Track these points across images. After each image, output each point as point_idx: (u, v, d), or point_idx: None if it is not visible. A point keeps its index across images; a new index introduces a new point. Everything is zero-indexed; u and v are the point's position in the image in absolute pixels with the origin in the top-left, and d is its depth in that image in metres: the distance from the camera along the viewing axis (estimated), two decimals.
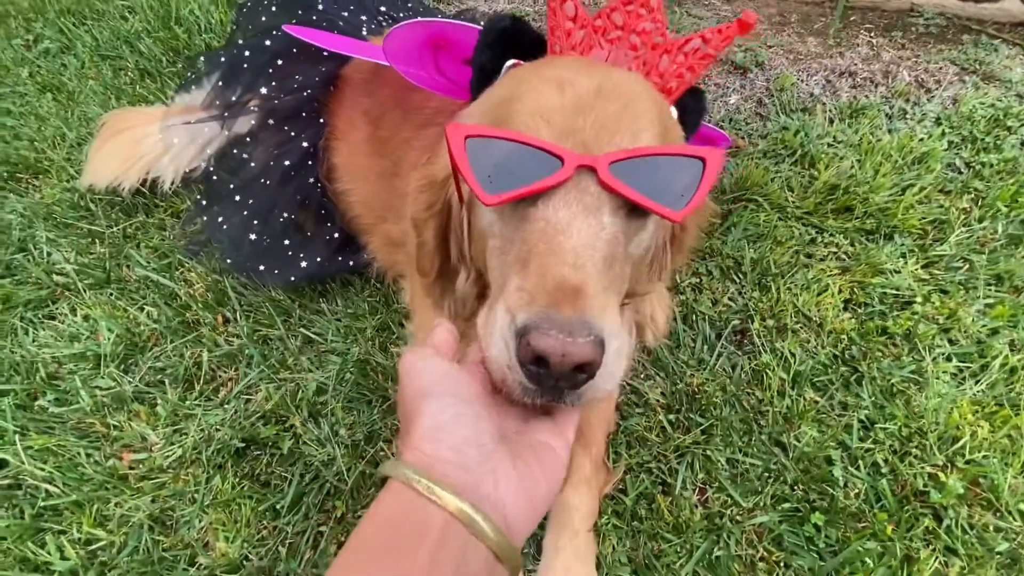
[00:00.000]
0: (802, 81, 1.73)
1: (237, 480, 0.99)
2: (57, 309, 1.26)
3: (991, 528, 0.91)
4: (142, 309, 1.23)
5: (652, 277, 0.71)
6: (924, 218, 1.32)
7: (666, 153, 0.53)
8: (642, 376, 1.11)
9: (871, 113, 1.58)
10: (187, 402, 1.08)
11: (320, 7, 1.23)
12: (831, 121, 1.59)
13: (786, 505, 0.94)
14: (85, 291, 1.26)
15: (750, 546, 0.91)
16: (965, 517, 0.92)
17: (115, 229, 1.37)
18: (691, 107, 0.75)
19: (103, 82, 1.80)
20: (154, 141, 1.37)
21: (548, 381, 0.46)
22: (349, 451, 1.01)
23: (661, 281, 0.74)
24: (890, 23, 2.04)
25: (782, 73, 1.74)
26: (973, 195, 1.38)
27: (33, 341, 1.19)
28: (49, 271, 1.31)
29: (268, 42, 1.15)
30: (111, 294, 1.26)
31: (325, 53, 1.14)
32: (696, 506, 0.95)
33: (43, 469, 0.99)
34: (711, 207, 0.74)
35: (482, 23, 0.74)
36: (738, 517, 0.93)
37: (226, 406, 1.08)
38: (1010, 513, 0.92)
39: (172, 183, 1.38)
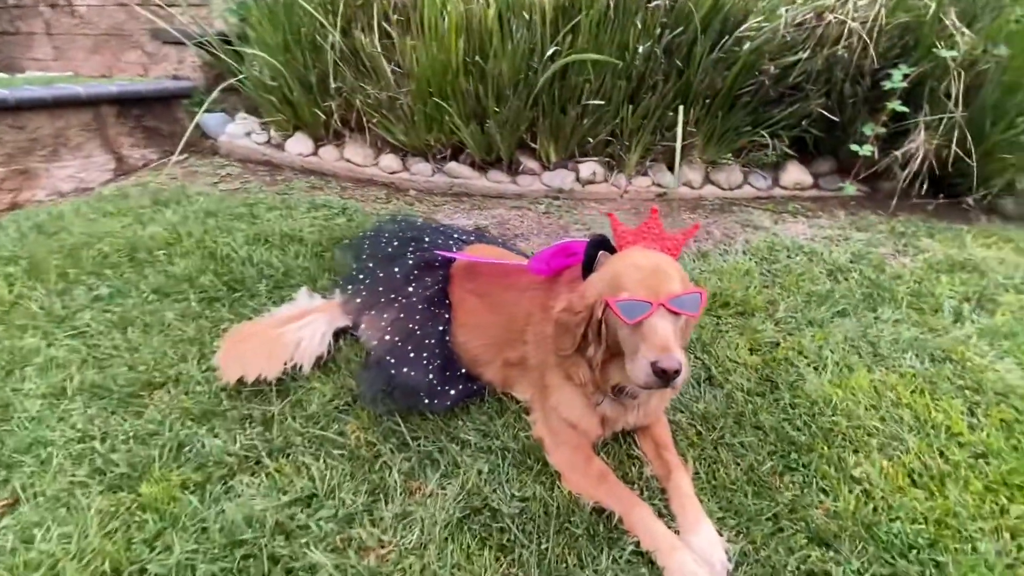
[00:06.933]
0: None
1: (470, 539, 1.39)
2: (237, 479, 1.55)
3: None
4: (319, 459, 1.60)
5: (684, 341, 1.50)
6: (765, 300, 2.38)
7: (690, 292, 1.37)
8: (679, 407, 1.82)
9: (712, 254, 2.74)
10: (399, 506, 1.47)
11: (427, 240, 1.99)
12: (694, 260, 2.71)
13: (774, 452, 1.67)
14: (263, 458, 1.60)
15: (770, 478, 1.60)
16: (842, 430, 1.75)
17: (273, 409, 1.74)
18: None
19: (177, 311, 2.19)
20: (287, 340, 1.85)
21: (664, 379, 1.24)
22: (529, 502, 1.50)
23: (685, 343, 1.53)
24: (695, 204, 3.45)
25: None
26: (779, 286, 2.52)
27: (235, 504, 1.47)
28: (222, 451, 1.61)
29: (410, 261, 1.85)
30: (288, 455, 1.61)
31: (436, 263, 1.87)
32: (734, 468, 1.63)
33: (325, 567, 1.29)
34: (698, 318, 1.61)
35: (589, 239, 1.57)
36: (760, 469, 1.63)
37: (428, 502, 1.49)
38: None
39: (309, 366, 1.84)
